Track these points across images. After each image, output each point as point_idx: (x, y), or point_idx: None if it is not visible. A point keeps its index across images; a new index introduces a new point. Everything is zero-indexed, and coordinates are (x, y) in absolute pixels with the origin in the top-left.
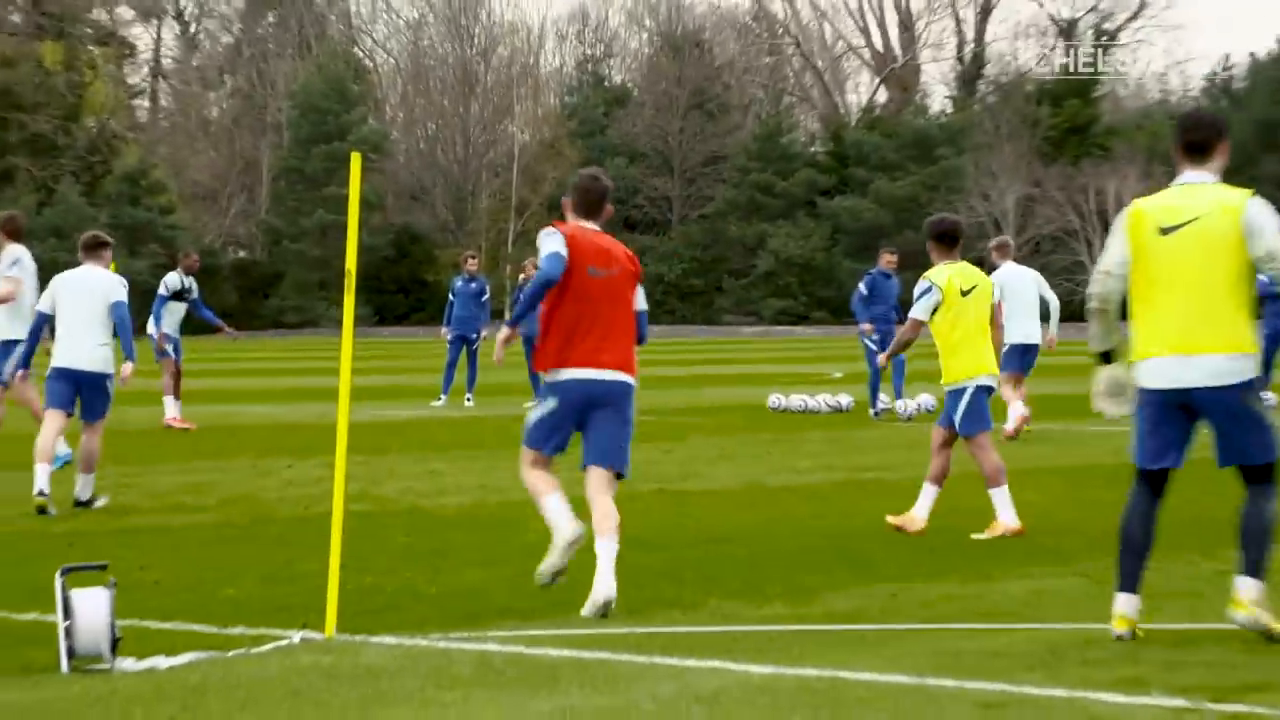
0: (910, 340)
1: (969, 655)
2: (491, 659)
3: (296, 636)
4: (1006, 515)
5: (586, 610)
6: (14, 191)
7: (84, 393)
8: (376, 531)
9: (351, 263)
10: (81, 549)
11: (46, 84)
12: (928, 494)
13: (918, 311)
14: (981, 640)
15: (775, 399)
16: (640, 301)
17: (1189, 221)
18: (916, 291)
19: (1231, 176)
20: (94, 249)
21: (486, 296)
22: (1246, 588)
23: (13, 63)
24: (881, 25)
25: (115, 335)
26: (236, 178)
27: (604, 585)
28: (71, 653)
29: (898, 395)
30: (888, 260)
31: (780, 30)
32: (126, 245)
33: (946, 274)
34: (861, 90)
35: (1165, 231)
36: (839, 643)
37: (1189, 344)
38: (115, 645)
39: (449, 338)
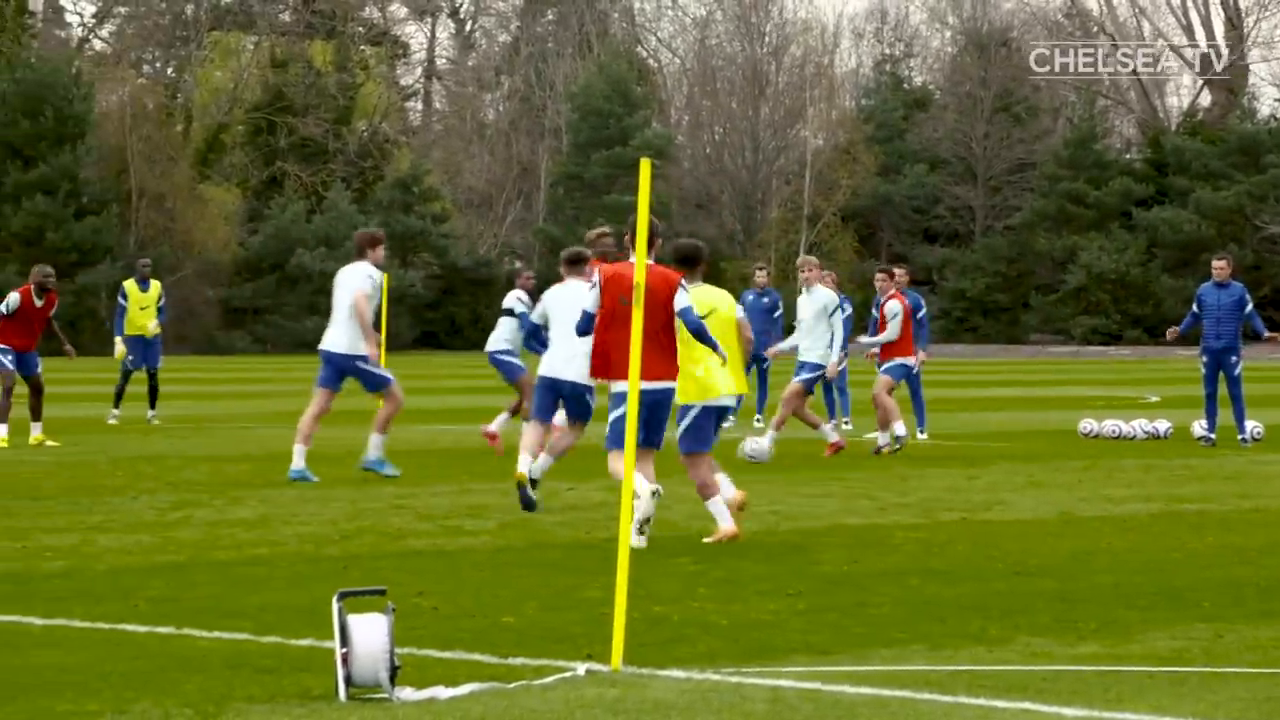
0: None
1: None
2: (785, 695)
3: (581, 668)
4: (725, 523)
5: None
6: (283, 198)
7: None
8: (663, 558)
9: (640, 276)
10: (357, 572)
11: (317, 85)
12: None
13: None
14: None
15: (1087, 424)
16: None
17: None
18: None
19: None
20: (577, 263)
21: (779, 312)
22: None
23: (283, 64)
24: (1206, 23)
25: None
26: (513, 184)
27: None
28: (349, 680)
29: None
30: (1219, 269)
31: (1095, 28)
32: (398, 254)
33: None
34: (1183, 93)
35: None
36: (1159, 686)
37: None
38: (394, 674)
39: None
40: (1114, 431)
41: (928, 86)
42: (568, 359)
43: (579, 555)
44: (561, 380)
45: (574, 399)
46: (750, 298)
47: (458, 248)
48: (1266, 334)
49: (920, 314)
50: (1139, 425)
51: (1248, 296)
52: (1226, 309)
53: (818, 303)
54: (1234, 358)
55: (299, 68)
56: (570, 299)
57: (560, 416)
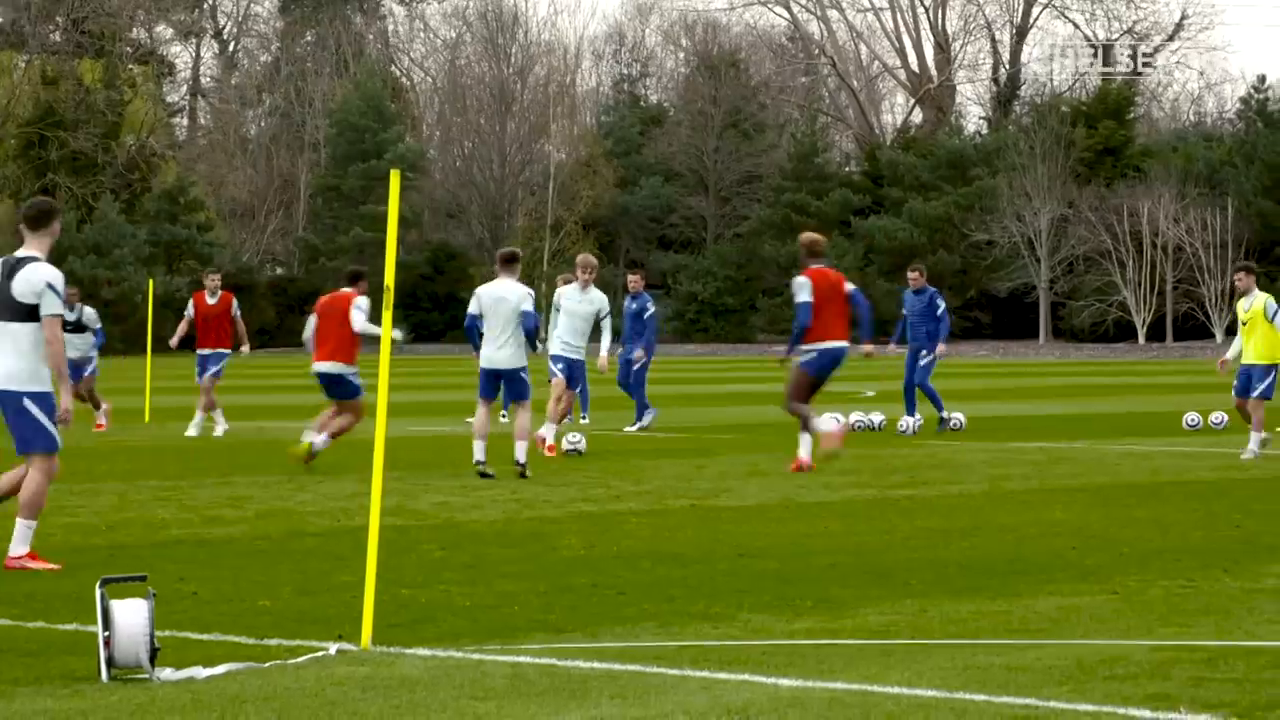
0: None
1: (997, 670)
2: (524, 671)
3: (332, 648)
4: None
5: None
6: None
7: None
8: (411, 545)
9: (390, 279)
10: (122, 560)
11: (86, 102)
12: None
13: None
14: (1010, 656)
15: None
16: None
17: None
18: None
19: (1264, 196)
20: (511, 262)
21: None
22: None
23: (54, 81)
24: (917, 46)
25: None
26: (274, 195)
27: None
28: (111, 662)
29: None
30: (912, 279)
31: (816, 50)
32: (165, 262)
33: None
34: (896, 111)
35: None
36: (869, 657)
37: None
38: (154, 655)
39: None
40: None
41: (663, 104)
42: (499, 348)
43: (332, 542)
44: (499, 369)
45: (511, 382)
46: None
47: (222, 255)
48: (940, 346)
49: (646, 315)
50: (856, 417)
51: (939, 301)
52: (918, 312)
53: (595, 304)
54: (924, 351)
55: (69, 85)
56: (500, 294)
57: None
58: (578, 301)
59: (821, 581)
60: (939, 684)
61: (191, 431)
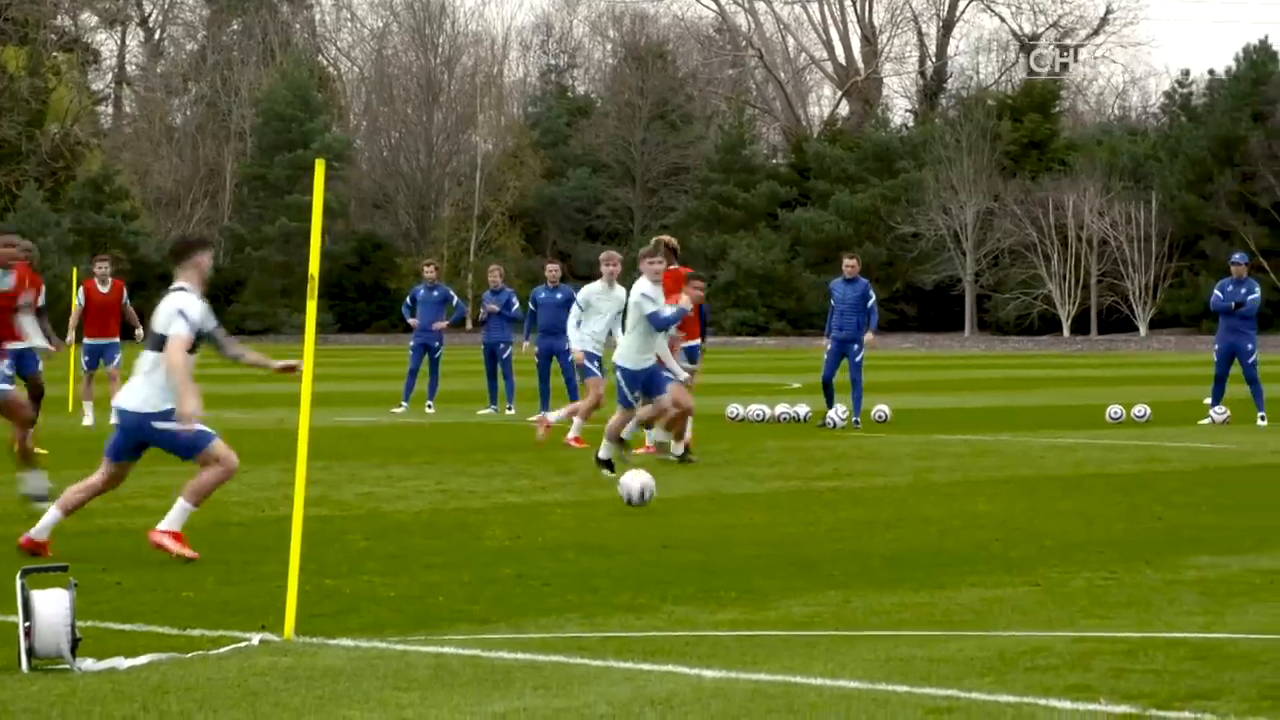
0: None
1: (919, 661)
2: (448, 661)
3: (255, 638)
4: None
5: None
6: None
7: None
8: (336, 535)
9: (314, 269)
10: (48, 549)
11: (10, 89)
12: None
13: None
14: (932, 647)
15: (734, 409)
16: None
17: None
18: None
19: (1187, 190)
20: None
21: (455, 301)
22: None
23: None
24: (844, 39)
25: None
26: (200, 184)
27: None
28: (31, 653)
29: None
30: (849, 267)
31: (743, 43)
32: (89, 250)
33: None
34: (824, 103)
35: None
36: (792, 648)
37: None
38: (75, 646)
39: (412, 344)
40: (759, 415)
41: (590, 95)
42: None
43: (256, 532)
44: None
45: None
46: (420, 291)
47: (147, 244)
48: (867, 336)
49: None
50: (781, 410)
51: (871, 292)
52: (851, 302)
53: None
54: (856, 345)
55: None
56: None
57: None
58: (605, 297)
59: (745, 573)
60: (862, 675)
61: (88, 421)
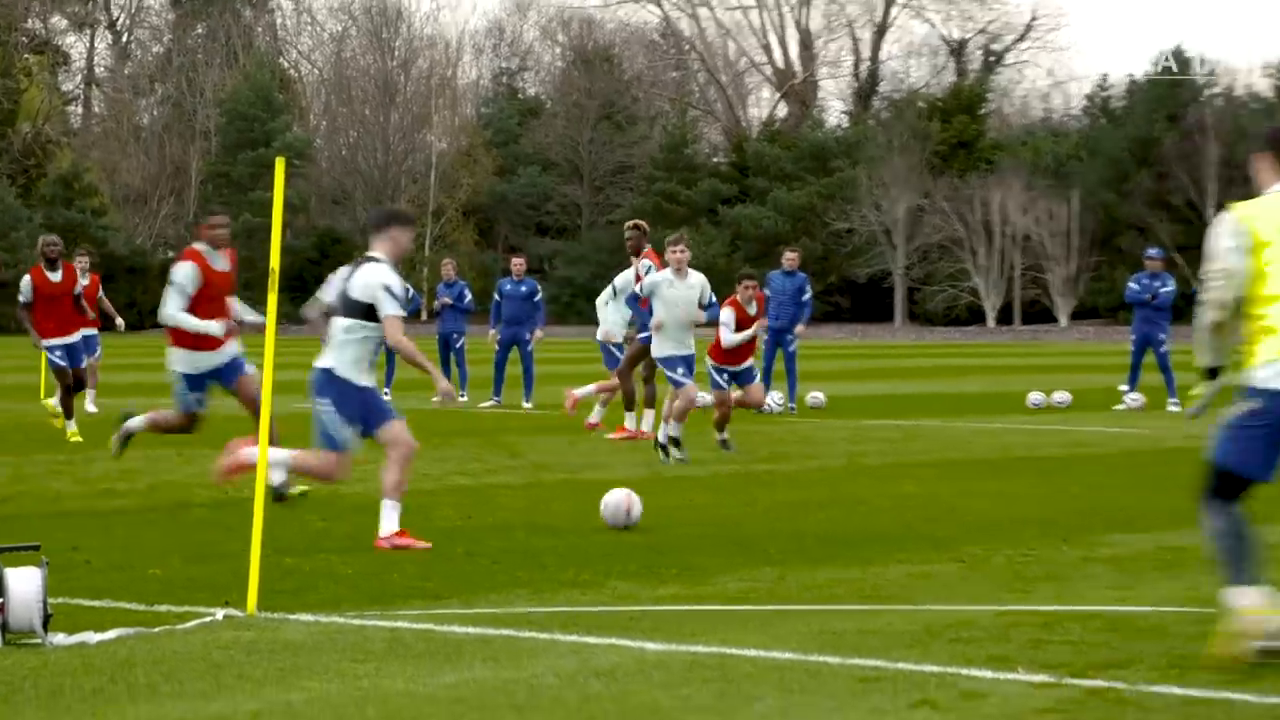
0: None
1: (849, 634)
2: (402, 635)
3: (219, 614)
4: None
5: None
6: None
7: None
8: (296, 516)
9: (275, 262)
10: (16, 530)
11: None
12: None
13: None
14: (861, 620)
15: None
16: None
17: None
18: None
19: (1106, 188)
20: None
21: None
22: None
23: None
24: (783, 43)
25: None
26: (166, 181)
27: None
28: (5, 627)
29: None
30: (789, 259)
31: (686, 47)
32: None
33: None
34: (763, 105)
35: None
36: (729, 621)
37: None
38: (47, 621)
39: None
40: (703, 401)
41: (540, 97)
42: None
43: (220, 513)
44: None
45: None
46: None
47: (116, 239)
48: (799, 327)
49: (537, 298)
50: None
51: (808, 287)
52: (789, 294)
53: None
54: (790, 336)
55: None
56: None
57: None
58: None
59: (685, 551)
60: (795, 647)
61: (91, 408)
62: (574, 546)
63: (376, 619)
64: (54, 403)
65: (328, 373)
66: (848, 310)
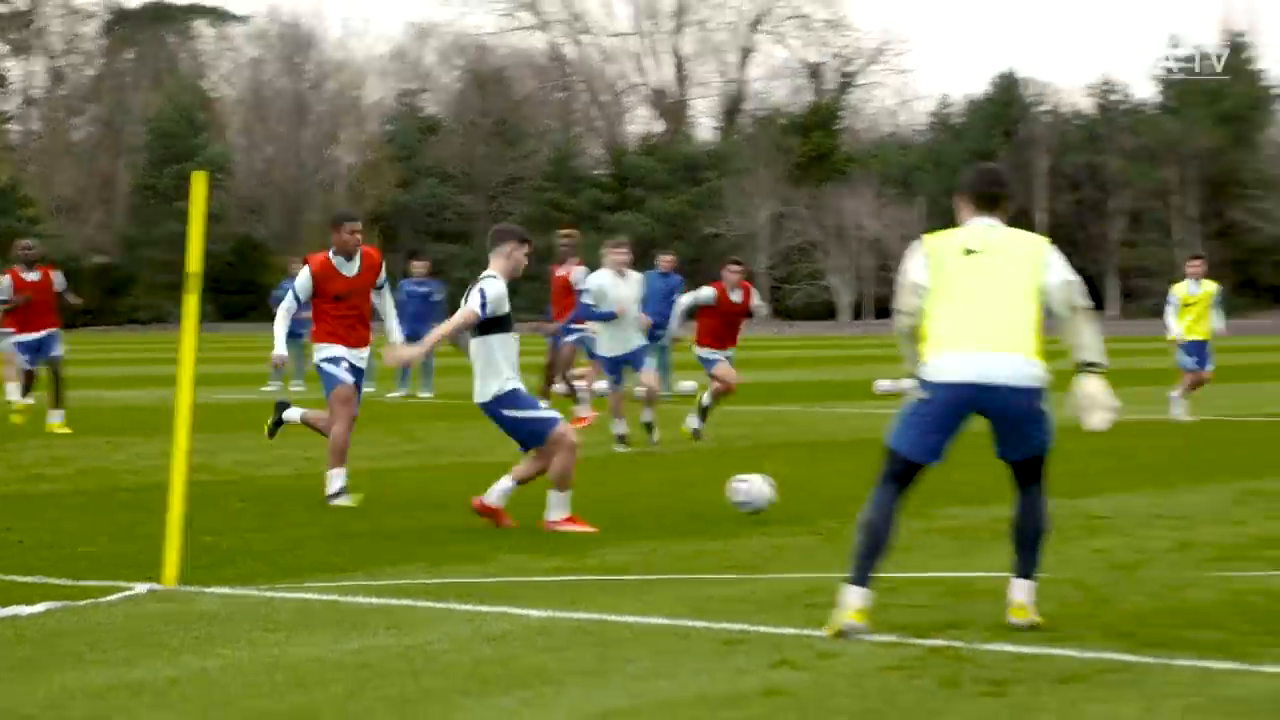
0: None
1: (715, 600)
2: (310, 606)
3: (142, 588)
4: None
5: None
6: None
7: None
8: (214, 498)
9: (194, 267)
10: None
11: None
12: None
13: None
14: (727, 588)
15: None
16: None
17: (992, 248)
18: None
19: (948, 196)
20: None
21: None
22: (1026, 590)
23: None
24: (658, 67)
25: None
26: (97, 193)
27: None
28: None
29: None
30: (665, 262)
31: (571, 70)
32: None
33: None
34: (640, 121)
35: (970, 252)
36: (608, 590)
37: (995, 344)
38: None
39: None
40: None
41: (438, 115)
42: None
43: (144, 496)
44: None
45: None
46: (285, 283)
47: (51, 246)
48: (675, 331)
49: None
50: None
51: (681, 287)
52: (662, 294)
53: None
54: (660, 331)
55: None
56: None
57: None
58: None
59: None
60: (666, 612)
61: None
62: (467, 523)
63: (286, 591)
64: (17, 398)
65: (495, 399)
66: None
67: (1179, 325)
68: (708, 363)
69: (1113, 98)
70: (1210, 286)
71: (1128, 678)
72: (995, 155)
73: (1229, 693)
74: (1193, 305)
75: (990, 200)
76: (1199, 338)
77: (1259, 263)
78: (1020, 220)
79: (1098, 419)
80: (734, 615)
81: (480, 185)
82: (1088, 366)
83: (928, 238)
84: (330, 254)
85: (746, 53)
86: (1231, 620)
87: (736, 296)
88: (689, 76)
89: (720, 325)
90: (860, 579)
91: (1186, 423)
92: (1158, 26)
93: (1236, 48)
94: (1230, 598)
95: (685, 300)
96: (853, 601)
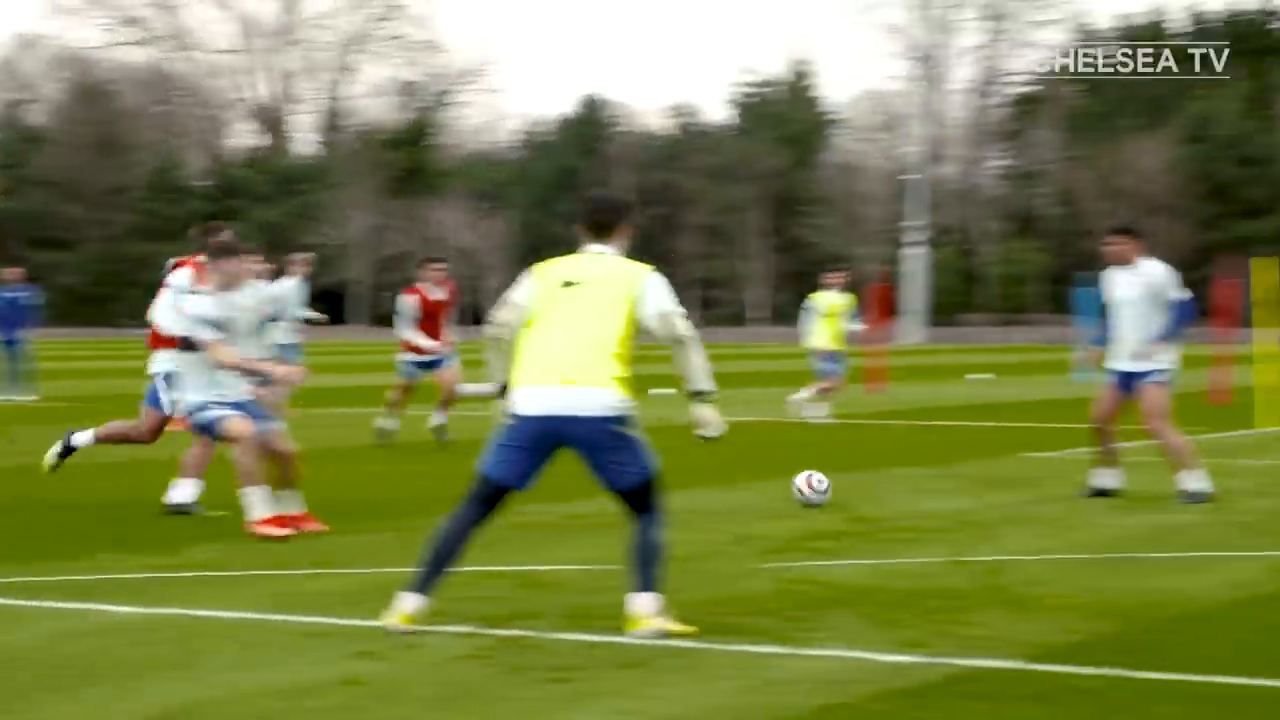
0: None
1: (300, 594)
2: None
3: None
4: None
5: None
6: None
7: None
8: None
9: None
10: None
11: None
12: None
13: None
14: (311, 583)
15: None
16: None
17: (590, 279)
18: None
19: (534, 209)
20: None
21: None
22: (646, 602)
23: None
24: (265, 81)
25: None
26: None
27: None
28: None
29: None
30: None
31: (176, 83)
32: None
33: None
34: (244, 134)
35: (569, 284)
36: (196, 586)
37: (574, 378)
38: None
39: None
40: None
41: (45, 126)
42: None
43: None
44: None
45: None
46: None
47: None
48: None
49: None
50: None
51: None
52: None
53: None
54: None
55: None
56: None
57: None
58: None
59: (158, 525)
60: (251, 607)
61: None
62: (65, 521)
63: None
64: None
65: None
66: (325, 312)
67: (823, 333)
68: (427, 367)
69: (689, 119)
70: (847, 297)
71: (685, 662)
72: (578, 171)
73: (775, 675)
74: (833, 316)
75: (600, 228)
76: (837, 347)
77: (819, 274)
78: None
79: (711, 433)
80: (316, 608)
81: (86, 194)
82: (698, 395)
83: (538, 266)
84: None
85: (348, 69)
86: (783, 608)
87: (439, 294)
88: (291, 93)
89: (430, 326)
90: (420, 586)
91: (825, 423)
92: (731, 54)
93: (800, 75)
94: (783, 586)
95: (406, 321)
96: (405, 606)
